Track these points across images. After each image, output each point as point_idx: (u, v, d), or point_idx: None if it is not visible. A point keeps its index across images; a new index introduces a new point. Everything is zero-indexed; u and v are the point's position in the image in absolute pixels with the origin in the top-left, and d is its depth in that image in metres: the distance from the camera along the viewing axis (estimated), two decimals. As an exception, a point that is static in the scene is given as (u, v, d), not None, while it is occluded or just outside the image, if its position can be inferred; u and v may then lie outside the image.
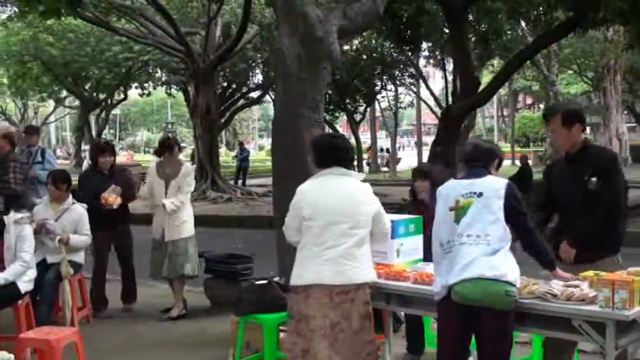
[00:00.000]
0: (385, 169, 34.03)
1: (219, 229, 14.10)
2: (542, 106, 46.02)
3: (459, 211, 3.81)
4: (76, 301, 6.72)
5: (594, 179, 4.11)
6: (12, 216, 5.81)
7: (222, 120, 26.39)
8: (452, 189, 3.95)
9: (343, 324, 3.94)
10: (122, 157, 42.06)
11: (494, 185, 3.85)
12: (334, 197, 4.06)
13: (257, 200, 19.78)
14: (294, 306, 4.09)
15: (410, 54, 21.67)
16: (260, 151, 58.71)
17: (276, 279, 5.27)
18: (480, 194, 3.80)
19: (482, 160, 4.02)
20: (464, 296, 3.67)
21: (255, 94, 29.62)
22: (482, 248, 3.70)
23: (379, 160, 36.04)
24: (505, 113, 55.79)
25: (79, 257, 6.83)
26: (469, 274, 3.65)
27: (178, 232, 7.09)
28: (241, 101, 29.38)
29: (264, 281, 5.27)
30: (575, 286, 3.65)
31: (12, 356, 3.68)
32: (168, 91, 30.47)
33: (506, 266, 3.68)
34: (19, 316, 5.81)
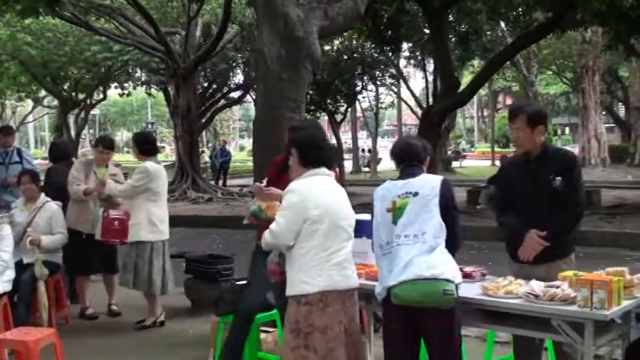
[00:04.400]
0: (366, 169, 34.09)
1: (199, 230, 14.03)
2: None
3: (396, 212, 3.82)
4: (53, 301, 6.67)
5: (559, 178, 4.11)
6: None
7: (203, 120, 26.31)
8: (388, 190, 3.95)
9: (351, 327, 3.89)
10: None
11: (429, 183, 3.85)
12: (336, 199, 3.94)
13: (238, 200, 19.74)
14: (301, 319, 3.78)
15: (390, 54, 21.73)
16: (241, 151, 58.57)
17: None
18: (416, 194, 3.81)
19: (417, 159, 4.01)
20: (402, 299, 3.67)
21: (236, 94, 29.56)
22: (419, 247, 3.70)
23: (360, 161, 36.11)
24: (485, 114, 56.13)
25: (57, 257, 6.78)
26: (407, 275, 3.65)
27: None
28: (222, 101, 29.31)
29: (245, 281, 5.26)
30: (557, 287, 3.67)
31: (-11, 358, 3.65)
32: (148, 91, 30.32)
33: (443, 264, 3.68)
34: (-3, 317, 5.77)
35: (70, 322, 6.99)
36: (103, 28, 20.40)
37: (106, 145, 7.34)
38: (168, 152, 50.50)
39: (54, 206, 6.79)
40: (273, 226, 3.85)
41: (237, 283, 5.33)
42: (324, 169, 3.97)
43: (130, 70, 27.68)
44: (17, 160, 8.43)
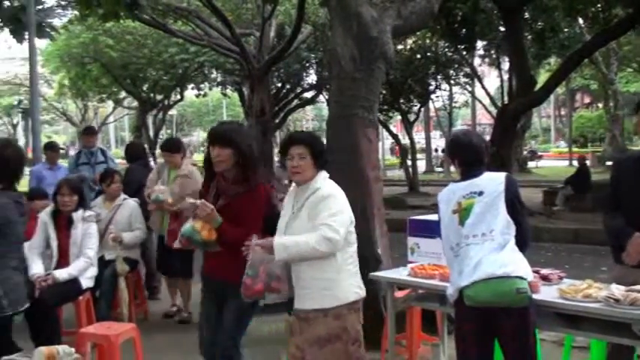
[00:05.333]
0: (440, 169, 33.77)
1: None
2: (600, 105, 44.97)
3: (462, 213, 3.78)
4: (133, 297, 6.86)
5: None
6: (80, 213, 6.01)
7: (277, 120, 26.55)
8: (452, 192, 3.91)
9: None
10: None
11: (493, 181, 3.80)
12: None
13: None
14: (348, 325, 3.76)
15: (465, 53, 21.45)
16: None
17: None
18: (481, 193, 3.77)
19: (478, 158, 3.94)
20: (475, 300, 3.63)
21: (308, 95, 29.71)
22: (489, 246, 3.65)
23: (433, 161, 35.78)
24: (562, 113, 54.73)
25: (135, 254, 6.98)
26: (478, 275, 3.60)
27: None
28: (295, 101, 29.50)
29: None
30: (639, 291, 3.56)
31: (73, 350, 3.78)
32: (224, 91, 30.79)
33: (515, 262, 3.63)
34: (80, 311, 5.98)
35: (149, 317, 7.18)
36: (180, 31, 20.83)
37: (166, 148, 7.32)
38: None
39: (133, 203, 7.00)
40: (331, 234, 3.63)
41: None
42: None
43: (206, 72, 28.16)
44: (102, 160, 8.69)
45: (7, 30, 14.80)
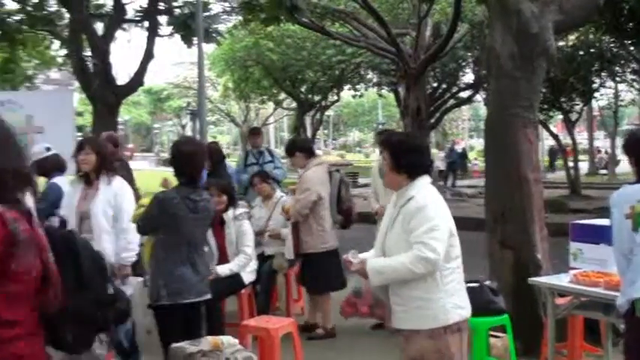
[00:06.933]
0: (604, 171, 32.08)
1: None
2: None
3: (636, 218, 3.46)
4: (291, 292, 7.06)
5: None
6: (231, 213, 6.22)
7: (432, 120, 26.33)
8: (625, 195, 3.58)
9: None
10: (334, 157, 43.54)
11: None
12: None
13: (467, 201, 19.52)
14: (442, 347, 3.40)
15: (632, 48, 20.21)
16: (470, 151, 57.74)
17: (487, 282, 5.17)
18: None
19: None
20: None
21: (465, 94, 29.23)
22: None
23: (597, 162, 34.05)
24: None
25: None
26: None
27: None
28: (451, 101, 29.08)
29: (475, 284, 5.19)
30: None
31: (237, 341, 3.97)
32: (380, 92, 30.98)
33: None
34: (242, 304, 6.25)
35: (306, 312, 7.34)
36: (337, 32, 21.16)
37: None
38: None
39: (289, 201, 7.20)
40: (427, 253, 3.32)
41: (466, 285, 5.26)
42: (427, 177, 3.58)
43: (362, 72, 28.47)
44: (270, 160, 8.90)
45: (177, 36, 15.73)
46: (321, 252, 6.36)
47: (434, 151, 37.04)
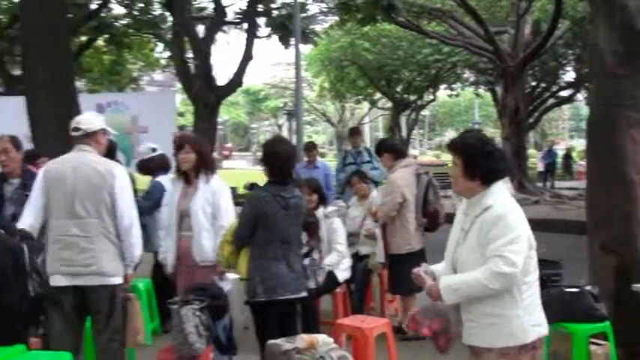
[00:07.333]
0: None
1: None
2: None
3: None
4: (385, 293, 7.05)
5: None
6: (321, 211, 6.25)
7: (531, 120, 25.72)
8: None
9: None
10: (429, 157, 43.15)
11: None
12: None
13: (566, 203, 18.94)
14: None
15: None
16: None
17: (588, 288, 5.01)
18: None
19: None
20: None
21: (565, 93, 28.38)
22: None
23: None
24: None
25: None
26: None
27: None
28: (551, 100, 28.35)
29: (575, 289, 5.04)
30: None
31: (332, 340, 4.01)
32: (476, 91, 30.52)
33: None
34: (337, 303, 6.29)
35: (400, 314, 7.32)
36: (433, 31, 21.03)
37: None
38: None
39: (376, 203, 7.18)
40: (504, 268, 3.08)
41: (567, 290, 5.13)
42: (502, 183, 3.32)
43: (459, 71, 28.14)
44: (368, 160, 8.91)
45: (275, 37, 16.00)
46: (405, 253, 6.30)
47: (531, 151, 36.16)
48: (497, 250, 3.10)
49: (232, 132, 70.70)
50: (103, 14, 17.08)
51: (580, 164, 33.50)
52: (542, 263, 7.56)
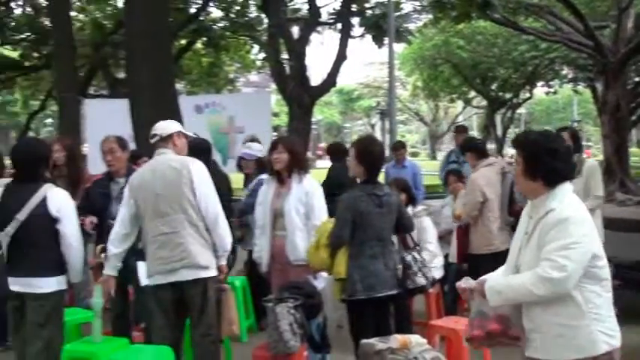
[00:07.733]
0: None
1: (626, 234, 13.21)
2: None
3: None
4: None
5: None
6: (410, 210, 6.15)
7: (633, 117, 24.72)
8: None
9: None
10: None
11: None
12: None
13: (671, 205, 18.12)
14: None
15: None
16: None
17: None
18: None
19: None
20: None
21: (672, 89, 27.13)
22: None
23: None
24: None
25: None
26: None
27: None
28: (654, 97, 27.18)
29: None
30: None
31: (425, 341, 4.02)
32: (575, 88, 29.60)
33: None
34: (430, 303, 6.26)
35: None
36: (530, 27, 20.52)
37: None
38: (594, 152, 48.51)
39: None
40: (551, 273, 2.88)
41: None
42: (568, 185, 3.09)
43: (557, 68, 27.38)
44: (454, 160, 8.85)
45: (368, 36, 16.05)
46: (485, 254, 6.18)
47: (634, 150, 34.73)
48: (549, 253, 2.91)
49: (326, 132, 71.21)
50: (201, 17, 17.57)
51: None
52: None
